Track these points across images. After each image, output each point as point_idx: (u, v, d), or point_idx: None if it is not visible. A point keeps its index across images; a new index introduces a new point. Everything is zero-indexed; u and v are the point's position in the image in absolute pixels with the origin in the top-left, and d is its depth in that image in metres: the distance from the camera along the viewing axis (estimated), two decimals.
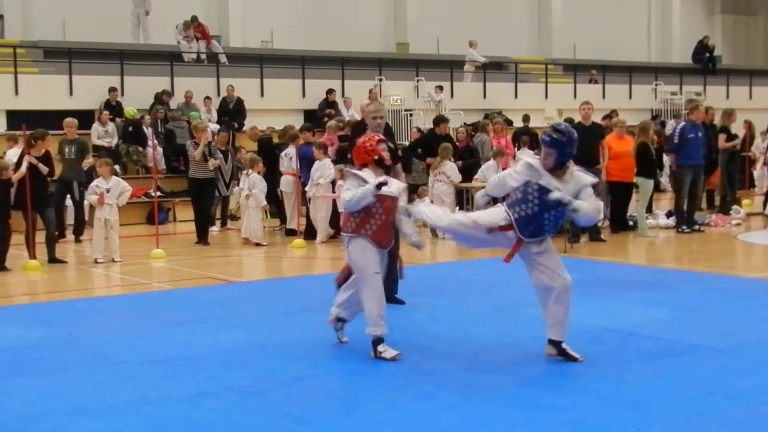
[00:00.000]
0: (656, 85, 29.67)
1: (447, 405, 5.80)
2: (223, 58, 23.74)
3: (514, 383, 6.29)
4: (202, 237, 14.66)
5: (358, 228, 6.87)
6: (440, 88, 24.75)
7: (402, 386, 6.23)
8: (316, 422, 5.53)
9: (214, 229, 16.18)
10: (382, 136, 7.22)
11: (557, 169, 6.65)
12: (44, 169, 12.61)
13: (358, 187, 6.82)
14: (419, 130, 19.86)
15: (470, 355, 7.14)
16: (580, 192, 6.65)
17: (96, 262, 12.79)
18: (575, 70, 28.41)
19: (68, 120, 15.24)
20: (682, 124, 15.64)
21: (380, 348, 6.83)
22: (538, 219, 6.67)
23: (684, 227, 14.96)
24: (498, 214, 6.79)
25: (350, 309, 7.22)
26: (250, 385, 6.30)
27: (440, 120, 16.12)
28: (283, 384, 6.31)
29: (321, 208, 14.60)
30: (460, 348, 7.35)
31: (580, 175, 6.75)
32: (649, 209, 15.58)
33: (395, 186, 7.04)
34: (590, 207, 6.67)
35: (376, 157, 6.97)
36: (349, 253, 6.97)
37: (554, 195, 6.50)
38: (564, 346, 6.76)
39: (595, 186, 6.83)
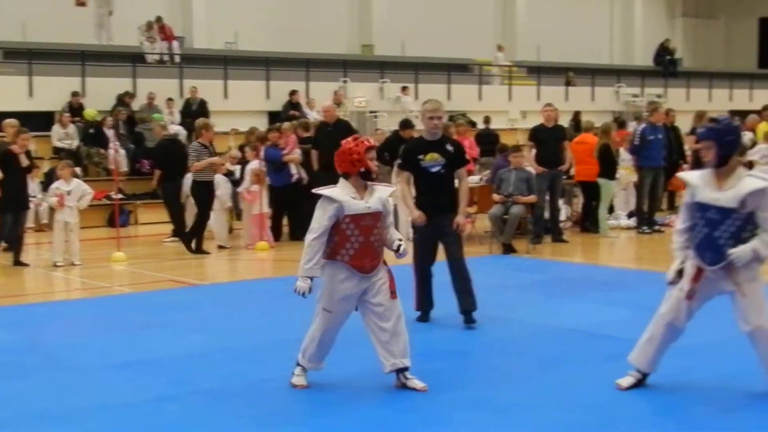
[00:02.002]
0: (618, 87, 29.90)
1: (411, 407, 5.81)
2: (177, 59, 23.53)
3: (478, 384, 6.30)
4: (198, 245, 13.88)
5: (333, 252, 6.05)
6: (406, 89, 24.75)
7: (367, 388, 6.23)
8: (281, 425, 5.51)
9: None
10: (372, 142, 6.28)
11: (720, 168, 5.82)
12: (24, 161, 12.57)
13: (323, 216, 5.98)
14: (383, 132, 19.86)
15: (434, 356, 7.15)
16: (746, 200, 5.71)
17: (55, 265, 12.65)
18: (539, 72, 28.57)
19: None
20: (643, 125, 15.77)
21: (296, 371, 6.28)
22: (711, 240, 5.86)
23: (645, 228, 15.09)
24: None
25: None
26: (214, 388, 6.27)
27: (406, 125, 16.11)
28: (247, 387, 6.29)
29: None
30: (424, 349, 7.35)
31: (750, 181, 5.79)
32: (610, 210, 15.69)
33: (375, 199, 6.15)
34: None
35: (363, 169, 6.11)
36: (323, 281, 6.13)
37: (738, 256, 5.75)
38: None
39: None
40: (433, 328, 8.20)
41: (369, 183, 6.17)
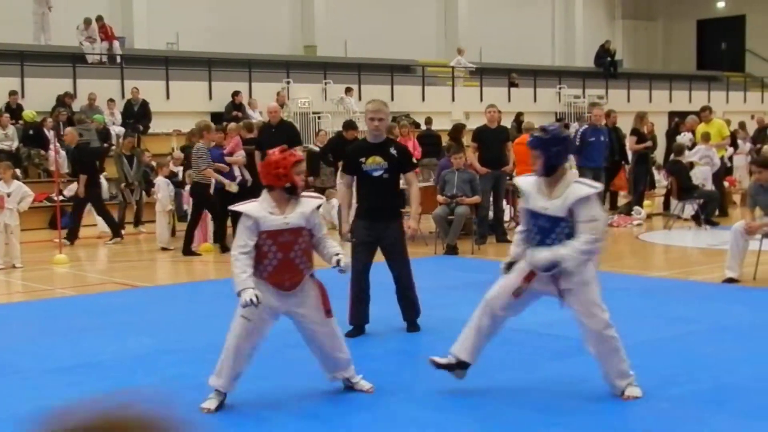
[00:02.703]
0: (560, 88, 30.20)
1: (359, 406, 5.82)
2: (118, 59, 23.28)
3: (424, 384, 6.33)
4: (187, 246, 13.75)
5: (254, 268, 5.74)
6: (350, 90, 24.76)
7: (312, 388, 6.22)
8: (226, 428, 5.49)
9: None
10: (300, 155, 6.05)
11: (548, 177, 5.78)
12: None
13: (243, 231, 5.74)
14: (326, 133, 19.86)
15: (380, 356, 7.18)
16: (573, 209, 5.67)
17: None
18: (481, 73, 28.75)
19: None
20: (584, 127, 15.98)
21: (210, 396, 5.86)
22: (543, 247, 5.82)
23: None
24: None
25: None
26: (157, 391, 6.22)
27: (349, 126, 16.11)
28: (192, 389, 6.24)
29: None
30: (370, 350, 7.38)
31: (576, 188, 5.73)
32: None
33: (297, 213, 5.82)
34: (572, 252, 5.65)
35: (288, 185, 5.80)
36: None
37: (536, 259, 5.74)
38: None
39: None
40: (380, 327, 8.21)
41: (294, 196, 5.85)
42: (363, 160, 7.88)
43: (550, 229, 5.73)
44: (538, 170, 5.79)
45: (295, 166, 5.79)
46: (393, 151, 7.92)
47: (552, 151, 5.69)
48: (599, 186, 5.93)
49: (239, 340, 5.75)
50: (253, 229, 5.70)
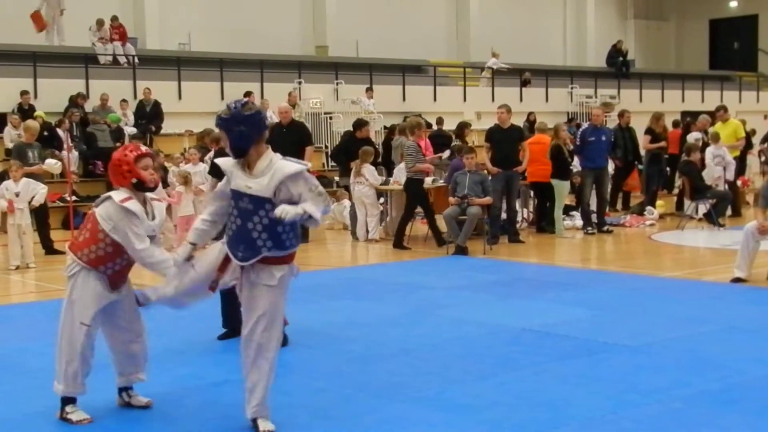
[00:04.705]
0: (572, 88, 30.13)
1: (367, 407, 5.82)
2: (130, 59, 23.36)
3: (434, 384, 6.33)
4: None
5: (95, 261, 5.54)
6: (369, 90, 24.70)
7: (322, 389, 6.23)
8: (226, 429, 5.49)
9: None
10: (144, 150, 5.66)
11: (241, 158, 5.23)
12: None
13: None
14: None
15: (390, 356, 7.18)
16: (281, 188, 5.09)
17: (12, 268, 12.51)
18: (493, 73, 28.73)
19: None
20: (584, 127, 15.93)
21: (68, 408, 5.67)
22: (245, 233, 5.19)
23: (589, 228, 15.23)
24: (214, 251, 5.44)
25: None
26: (169, 392, 6.23)
27: (360, 123, 16.12)
28: (204, 389, 6.26)
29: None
30: (380, 350, 7.38)
31: (283, 164, 5.15)
32: (566, 211, 15.82)
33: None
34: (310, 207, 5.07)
35: (134, 180, 5.52)
36: (72, 287, 5.62)
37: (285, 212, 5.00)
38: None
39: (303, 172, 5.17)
40: (387, 327, 8.21)
41: (147, 195, 5.63)
42: None
43: (253, 211, 5.11)
44: (227, 150, 5.26)
45: (140, 160, 5.54)
46: None
47: (235, 132, 5.11)
48: (308, 164, 5.22)
49: (82, 347, 5.72)
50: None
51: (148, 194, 5.65)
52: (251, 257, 5.15)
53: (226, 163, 5.30)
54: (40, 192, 12.88)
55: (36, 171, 13.71)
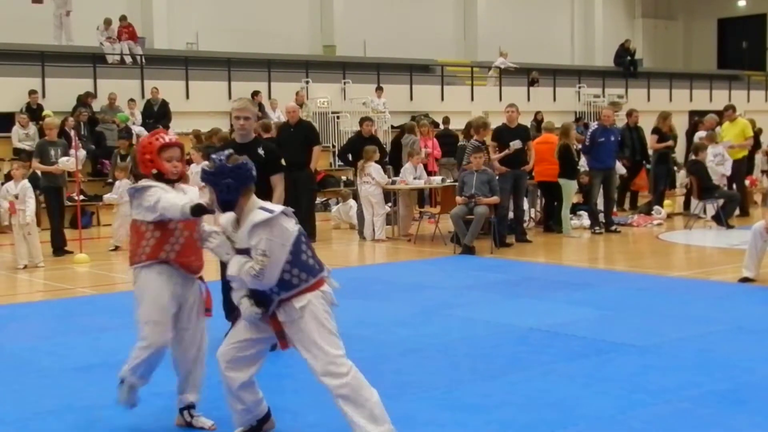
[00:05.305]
0: (580, 87, 30.12)
1: None
2: (138, 59, 23.38)
3: (442, 384, 6.33)
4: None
5: (151, 254, 5.34)
6: (380, 89, 24.69)
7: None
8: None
9: None
10: (169, 140, 5.43)
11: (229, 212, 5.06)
12: None
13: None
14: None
15: (398, 356, 7.18)
16: (252, 236, 4.87)
17: (21, 267, 12.54)
18: (501, 73, 28.72)
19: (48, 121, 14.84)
20: (594, 127, 15.91)
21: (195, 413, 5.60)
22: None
23: (596, 228, 15.22)
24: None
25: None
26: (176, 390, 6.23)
27: (364, 119, 16.11)
28: (212, 387, 6.26)
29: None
30: (388, 350, 7.38)
31: (254, 215, 4.91)
32: (573, 210, 15.81)
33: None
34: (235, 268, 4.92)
35: (155, 171, 5.34)
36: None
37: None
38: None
39: (265, 223, 4.87)
40: (395, 326, 8.22)
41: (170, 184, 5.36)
42: None
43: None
44: (212, 205, 5.00)
45: (165, 151, 5.33)
46: (261, 151, 7.38)
47: (222, 185, 4.90)
48: (277, 209, 4.94)
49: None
50: None
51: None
52: (269, 307, 5.00)
53: (225, 219, 5.14)
54: (29, 207, 12.64)
55: (54, 171, 13.71)
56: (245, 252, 4.93)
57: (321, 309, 4.98)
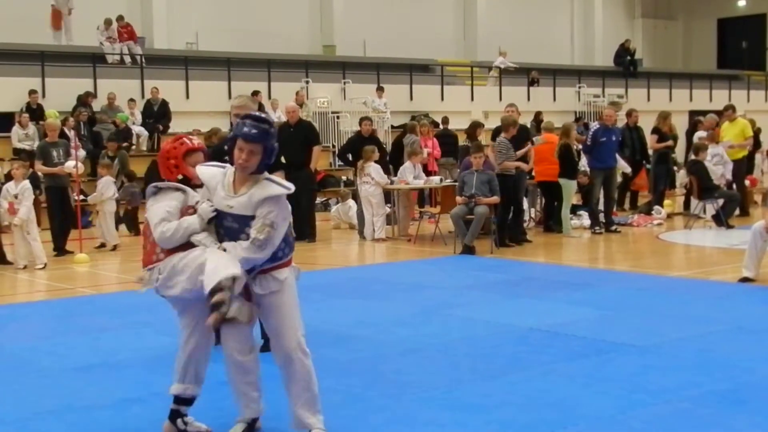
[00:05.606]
0: (579, 87, 30.12)
1: (375, 407, 5.82)
2: (138, 59, 23.37)
3: (442, 384, 6.33)
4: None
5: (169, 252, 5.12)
6: (381, 89, 24.68)
7: (330, 388, 6.22)
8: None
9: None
10: (198, 143, 5.36)
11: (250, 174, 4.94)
12: None
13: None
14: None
15: (398, 356, 7.18)
16: (259, 207, 4.84)
17: (21, 267, 12.54)
18: (501, 72, 28.72)
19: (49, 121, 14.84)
20: (596, 127, 15.91)
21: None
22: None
23: (597, 228, 15.22)
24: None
25: None
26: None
27: (363, 119, 16.12)
28: (211, 389, 6.26)
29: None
30: (388, 350, 7.38)
31: (265, 185, 4.89)
32: (573, 210, 15.81)
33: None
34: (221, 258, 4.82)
35: (180, 176, 5.20)
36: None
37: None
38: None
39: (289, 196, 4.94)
40: (395, 326, 8.22)
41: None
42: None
43: (238, 230, 4.90)
44: (250, 166, 4.84)
45: (189, 155, 5.22)
46: None
47: (273, 147, 4.88)
48: (290, 187, 4.94)
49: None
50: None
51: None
52: (249, 271, 4.92)
53: (210, 176, 5.00)
54: (23, 208, 12.52)
55: (57, 172, 13.70)
56: (242, 218, 4.85)
57: (294, 284, 5.10)
